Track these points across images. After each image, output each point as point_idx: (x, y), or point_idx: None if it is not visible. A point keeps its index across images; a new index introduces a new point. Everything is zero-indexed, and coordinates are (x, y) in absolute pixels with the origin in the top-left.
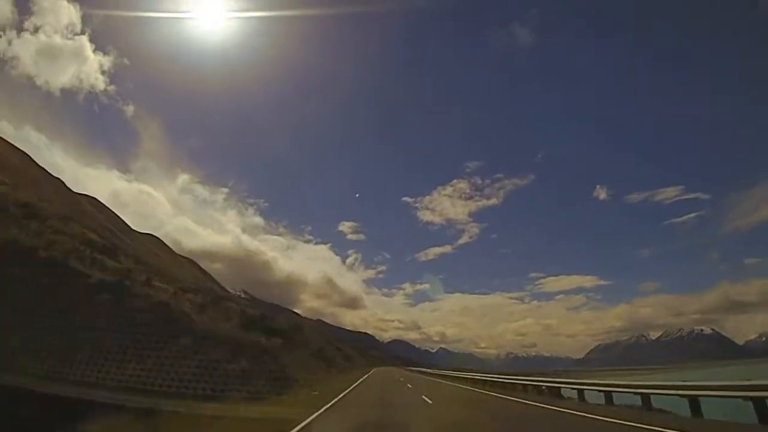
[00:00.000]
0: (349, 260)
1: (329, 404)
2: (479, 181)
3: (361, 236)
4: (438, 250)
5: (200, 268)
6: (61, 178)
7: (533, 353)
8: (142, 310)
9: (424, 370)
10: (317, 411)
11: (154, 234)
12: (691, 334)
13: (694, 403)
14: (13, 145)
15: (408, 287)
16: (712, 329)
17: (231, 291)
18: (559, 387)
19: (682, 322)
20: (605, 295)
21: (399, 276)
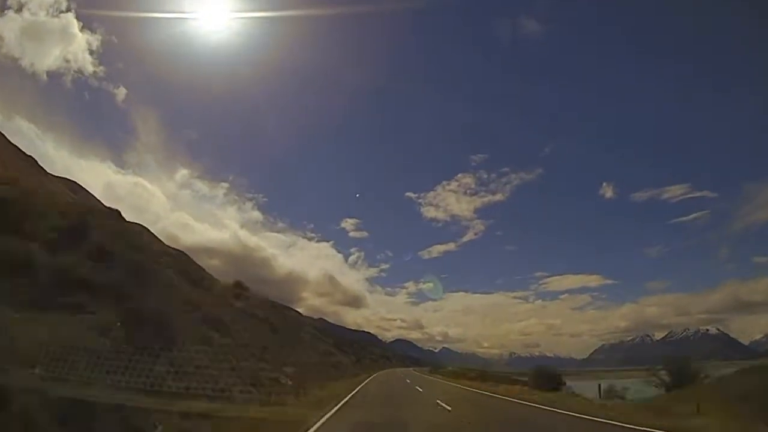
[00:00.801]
0: (351, 258)
1: None
2: (485, 176)
3: (364, 233)
4: (442, 247)
5: (193, 261)
6: (34, 157)
7: (536, 353)
8: None
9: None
10: None
11: (141, 223)
12: (696, 334)
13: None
14: None
15: (411, 286)
16: (718, 329)
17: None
18: None
19: (688, 322)
20: (610, 294)
21: (402, 274)
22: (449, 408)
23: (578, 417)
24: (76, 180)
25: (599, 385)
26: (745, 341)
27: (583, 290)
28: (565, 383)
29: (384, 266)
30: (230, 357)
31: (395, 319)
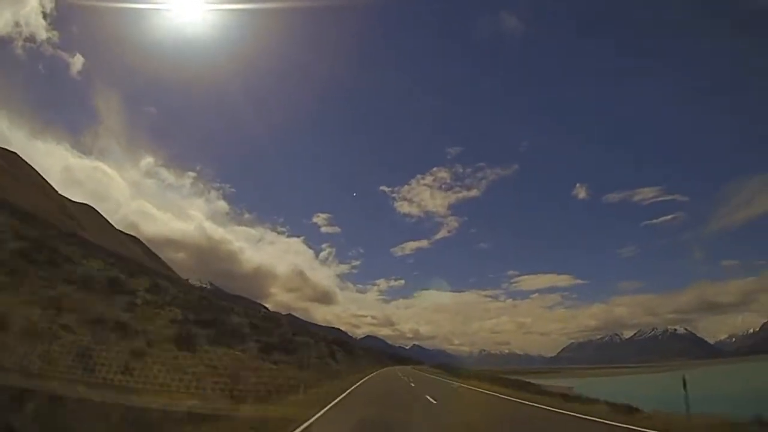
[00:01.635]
0: (322, 254)
1: None
2: (461, 170)
3: (336, 229)
4: (414, 244)
5: (145, 247)
6: None
7: (506, 351)
8: None
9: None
10: None
11: (89, 204)
12: (665, 333)
13: None
14: None
15: (383, 283)
16: (686, 329)
17: (197, 282)
18: None
19: (657, 321)
20: (581, 294)
21: (374, 271)
22: None
23: None
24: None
25: None
26: (711, 341)
27: (553, 290)
28: None
29: (355, 263)
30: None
31: (366, 316)
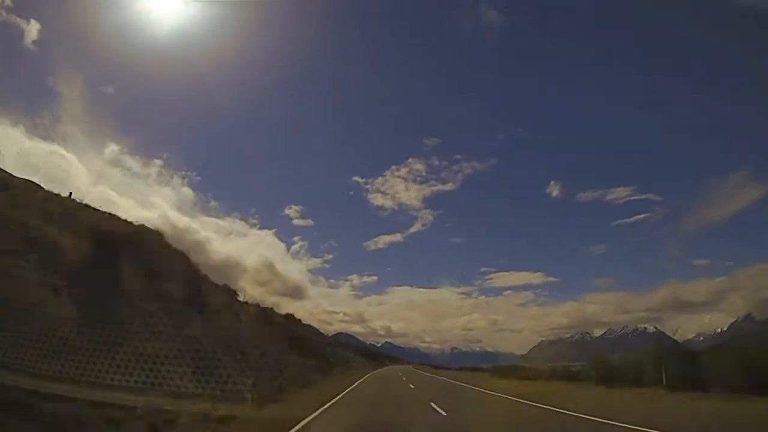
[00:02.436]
0: (294, 247)
1: None
2: (437, 163)
3: (309, 221)
4: (388, 238)
5: None
6: None
7: (477, 348)
8: None
9: None
10: None
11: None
12: (635, 332)
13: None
14: None
15: (355, 279)
16: (655, 327)
17: None
18: None
19: (628, 320)
20: (553, 291)
21: (346, 266)
22: None
23: None
24: None
25: None
26: (679, 340)
27: (526, 287)
28: None
29: (328, 257)
30: None
31: (338, 312)
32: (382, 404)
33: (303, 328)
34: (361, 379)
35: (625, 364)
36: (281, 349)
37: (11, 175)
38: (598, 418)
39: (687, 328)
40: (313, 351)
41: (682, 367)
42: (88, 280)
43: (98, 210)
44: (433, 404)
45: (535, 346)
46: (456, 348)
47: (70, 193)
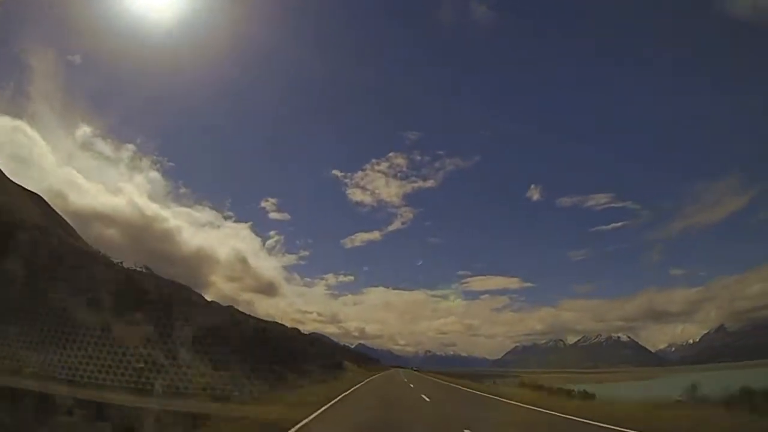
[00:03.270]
0: (269, 242)
1: None
2: (418, 158)
3: (286, 215)
4: (366, 236)
5: (49, 209)
6: None
7: (451, 352)
8: None
9: None
10: None
11: None
12: (609, 340)
13: None
14: None
15: (331, 278)
16: (629, 337)
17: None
18: None
19: (602, 328)
20: (529, 297)
21: (322, 264)
22: None
23: None
24: None
25: None
26: (652, 349)
27: (503, 292)
28: None
29: (304, 253)
30: None
31: (312, 312)
32: None
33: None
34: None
35: None
36: None
37: None
38: None
39: (659, 338)
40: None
41: None
42: None
43: None
44: None
45: (509, 352)
46: (430, 351)
47: None
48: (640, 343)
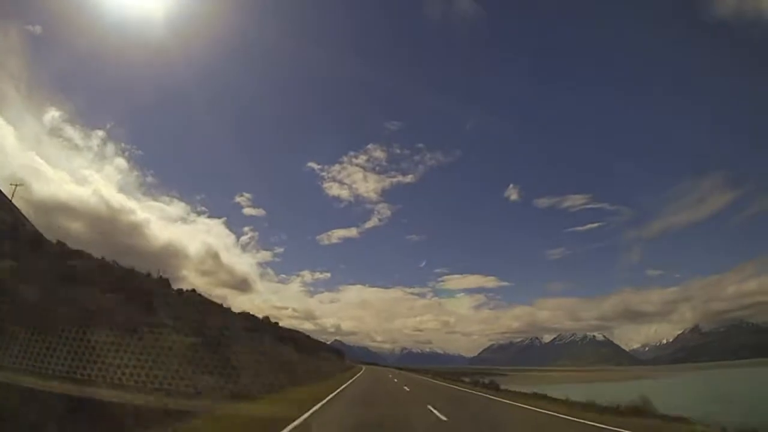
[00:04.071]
0: (243, 238)
1: None
2: (398, 151)
3: (260, 211)
4: (342, 233)
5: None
6: None
7: (428, 350)
8: None
9: None
10: None
11: None
12: (584, 339)
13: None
14: None
15: (307, 275)
16: (604, 336)
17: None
18: None
19: (578, 326)
20: (506, 296)
21: (298, 261)
22: None
23: None
24: None
25: None
26: (626, 348)
27: (480, 290)
28: None
29: (278, 250)
30: None
31: (287, 308)
32: None
33: None
34: None
35: None
36: None
37: None
38: None
39: (632, 338)
40: None
41: None
42: None
43: None
44: None
45: (485, 349)
46: (406, 348)
47: None
48: (614, 342)
